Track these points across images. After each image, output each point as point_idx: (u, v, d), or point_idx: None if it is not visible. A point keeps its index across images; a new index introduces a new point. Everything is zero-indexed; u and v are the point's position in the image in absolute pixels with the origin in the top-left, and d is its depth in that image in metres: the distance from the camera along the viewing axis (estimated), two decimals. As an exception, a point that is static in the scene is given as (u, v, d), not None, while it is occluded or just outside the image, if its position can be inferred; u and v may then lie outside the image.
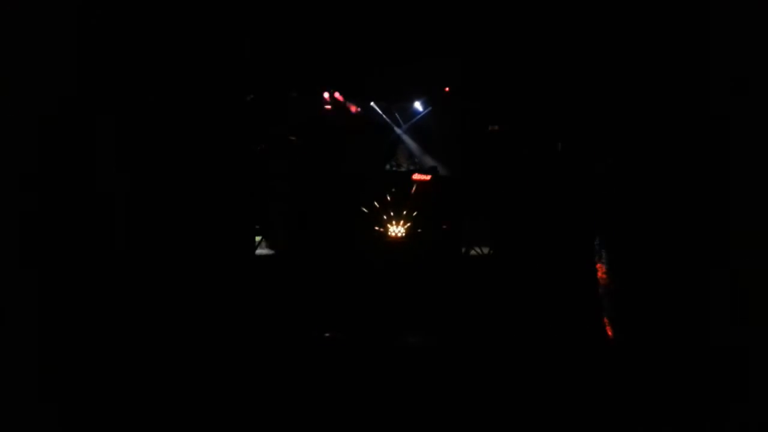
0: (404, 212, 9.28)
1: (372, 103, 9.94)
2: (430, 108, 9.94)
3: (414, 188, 9.32)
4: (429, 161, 10.10)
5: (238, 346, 5.22)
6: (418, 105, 9.98)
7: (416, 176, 9.53)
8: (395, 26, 7.48)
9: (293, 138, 9.38)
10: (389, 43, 7.84)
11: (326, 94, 9.71)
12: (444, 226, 9.20)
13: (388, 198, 9.30)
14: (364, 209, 9.18)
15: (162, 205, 5.78)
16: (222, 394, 4.08)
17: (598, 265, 6.35)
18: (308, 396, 4.15)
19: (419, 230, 9.19)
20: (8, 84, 4.03)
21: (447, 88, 9.63)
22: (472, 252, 8.95)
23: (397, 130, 10.09)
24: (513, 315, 6.76)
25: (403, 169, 9.95)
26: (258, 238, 8.69)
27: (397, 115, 10.09)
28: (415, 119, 10.04)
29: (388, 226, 9.28)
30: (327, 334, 5.80)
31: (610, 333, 6.10)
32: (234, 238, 7.09)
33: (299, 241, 8.66)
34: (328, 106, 9.75)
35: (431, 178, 9.86)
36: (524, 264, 7.81)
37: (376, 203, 9.17)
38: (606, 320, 6.18)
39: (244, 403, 3.99)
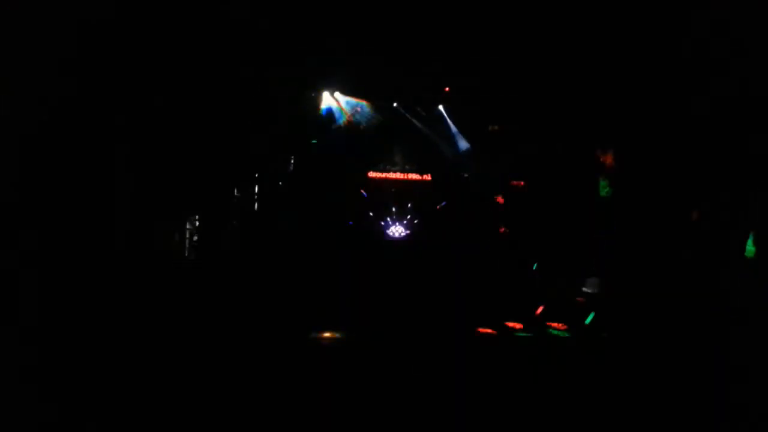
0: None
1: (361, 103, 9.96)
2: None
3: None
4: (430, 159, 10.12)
5: (234, 342, 5.22)
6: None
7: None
8: (399, 27, 7.48)
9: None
10: (393, 45, 7.83)
11: (326, 94, 9.73)
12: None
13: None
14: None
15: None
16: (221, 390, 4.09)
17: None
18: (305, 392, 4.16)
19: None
20: (9, 84, 4.04)
21: (447, 88, 9.63)
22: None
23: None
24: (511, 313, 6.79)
25: (397, 168, 9.97)
26: None
27: (407, 114, 10.09)
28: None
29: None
30: (327, 334, 5.80)
31: (609, 331, 6.11)
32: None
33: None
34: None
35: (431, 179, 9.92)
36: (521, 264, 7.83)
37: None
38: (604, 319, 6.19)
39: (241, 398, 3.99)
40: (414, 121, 10.09)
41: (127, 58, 5.28)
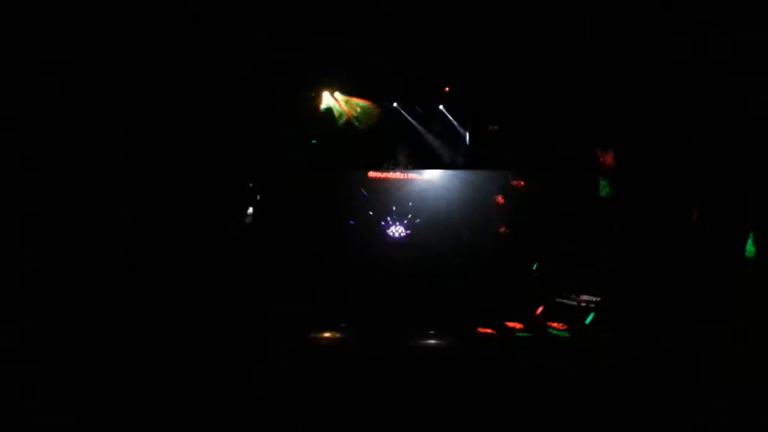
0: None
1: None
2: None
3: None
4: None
5: (236, 342, 5.22)
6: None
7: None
8: (399, 26, 7.48)
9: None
10: (394, 44, 7.83)
11: (326, 94, 9.72)
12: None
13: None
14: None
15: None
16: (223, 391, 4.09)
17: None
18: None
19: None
20: (8, 84, 4.04)
21: (447, 88, 9.62)
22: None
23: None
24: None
25: (397, 169, 9.94)
26: None
27: (405, 114, 10.06)
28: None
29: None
30: (327, 334, 5.80)
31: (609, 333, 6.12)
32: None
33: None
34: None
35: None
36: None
37: None
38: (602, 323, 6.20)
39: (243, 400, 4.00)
40: (414, 121, 10.07)
41: (127, 62, 5.28)
